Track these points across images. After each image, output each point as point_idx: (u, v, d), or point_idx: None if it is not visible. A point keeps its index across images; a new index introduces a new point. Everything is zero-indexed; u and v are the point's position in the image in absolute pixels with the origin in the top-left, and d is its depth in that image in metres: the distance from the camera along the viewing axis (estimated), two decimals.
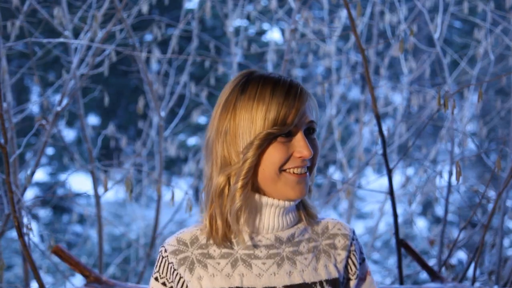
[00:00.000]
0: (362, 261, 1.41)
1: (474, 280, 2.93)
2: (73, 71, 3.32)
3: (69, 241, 7.16)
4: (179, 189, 2.80)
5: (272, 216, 1.31)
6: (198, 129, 7.02)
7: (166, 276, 1.33)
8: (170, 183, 6.43)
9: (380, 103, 4.85)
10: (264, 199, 1.30)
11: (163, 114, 3.70)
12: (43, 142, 3.11)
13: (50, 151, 8.04)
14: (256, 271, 1.30)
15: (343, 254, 1.36)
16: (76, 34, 3.88)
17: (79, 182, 6.55)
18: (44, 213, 7.78)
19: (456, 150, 3.76)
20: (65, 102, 3.23)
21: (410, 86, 4.66)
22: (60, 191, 7.23)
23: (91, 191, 3.57)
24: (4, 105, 3.17)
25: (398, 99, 5.19)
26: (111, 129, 4.14)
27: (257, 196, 1.31)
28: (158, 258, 1.34)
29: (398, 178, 5.20)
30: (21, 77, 7.38)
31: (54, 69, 6.58)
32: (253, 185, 1.30)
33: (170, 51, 3.95)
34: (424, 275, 5.08)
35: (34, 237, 2.47)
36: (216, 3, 4.04)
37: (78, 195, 2.52)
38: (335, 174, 5.34)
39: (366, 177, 5.69)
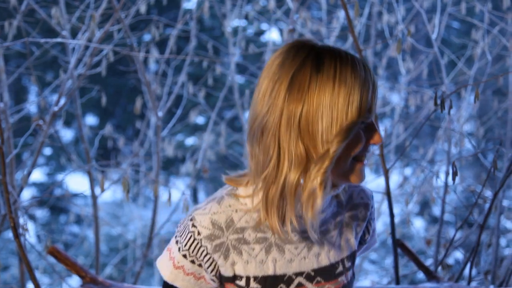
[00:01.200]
0: (374, 226, 1.39)
1: (470, 279, 2.93)
2: (71, 71, 3.32)
3: (66, 241, 7.15)
4: (176, 189, 2.79)
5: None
6: (196, 129, 7.02)
7: (196, 255, 1.25)
8: (168, 183, 6.43)
9: (378, 103, 4.86)
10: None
11: (160, 114, 3.71)
12: (40, 142, 3.10)
13: (47, 151, 8.04)
14: (288, 256, 1.24)
15: (362, 224, 1.34)
16: (74, 34, 3.88)
17: (76, 182, 6.55)
18: (41, 213, 7.77)
19: (454, 150, 3.76)
20: (62, 102, 3.22)
21: (408, 86, 4.67)
22: (57, 192, 7.23)
23: (88, 192, 3.57)
24: (1, 105, 3.17)
25: (396, 99, 5.20)
26: (108, 129, 4.14)
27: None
28: (186, 235, 1.24)
29: (395, 178, 5.21)
30: (19, 77, 7.38)
31: (52, 69, 6.58)
32: None
33: (168, 51, 3.95)
34: (420, 275, 5.09)
35: (30, 237, 2.46)
36: (215, 3, 4.05)
37: (75, 195, 2.51)
38: None
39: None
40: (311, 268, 1.25)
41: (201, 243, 1.24)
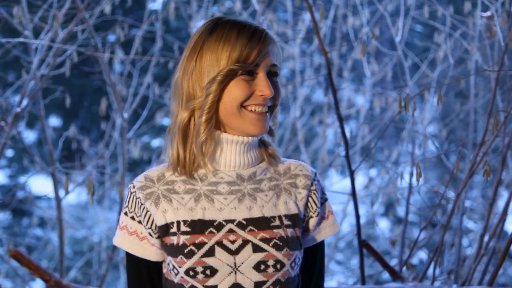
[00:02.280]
0: (324, 201, 1.46)
1: (434, 279, 2.98)
2: (33, 71, 3.26)
3: (29, 244, 7.02)
4: None
5: (234, 153, 1.38)
6: (162, 131, 6.97)
7: (134, 210, 1.40)
8: None
9: (344, 105, 4.90)
10: (225, 135, 1.37)
11: (126, 115, 3.67)
12: (1, 144, 3.05)
13: (9, 153, 7.88)
14: (217, 205, 1.37)
15: (303, 192, 1.42)
16: (37, 34, 3.81)
17: (40, 184, 6.44)
18: (3, 216, 7.62)
19: (418, 151, 3.82)
20: (24, 103, 3.17)
21: (372, 88, 4.72)
22: (20, 194, 7.10)
23: (52, 194, 3.51)
24: None
25: (361, 101, 5.25)
26: (73, 130, 4.08)
27: (218, 132, 1.38)
28: (127, 194, 1.41)
29: (361, 179, 5.26)
30: None
31: (14, 70, 6.46)
32: (216, 122, 1.37)
33: (133, 52, 3.92)
34: (386, 275, 5.15)
35: None
36: (180, 4, 4.02)
37: (38, 197, 2.47)
38: None
39: (329, 179, 5.74)
40: (242, 217, 1.36)
41: (135, 194, 1.40)
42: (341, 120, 2.83)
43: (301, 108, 4.72)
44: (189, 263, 1.34)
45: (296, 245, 1.37)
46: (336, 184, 4.60)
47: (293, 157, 5.36)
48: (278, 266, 1.34)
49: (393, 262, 4.62)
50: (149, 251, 1.41)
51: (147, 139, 7.26)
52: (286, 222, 1.38)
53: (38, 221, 6.93)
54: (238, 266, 1.33)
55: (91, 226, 7.10)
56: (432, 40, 4.34)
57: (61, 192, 4.02)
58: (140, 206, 1.40)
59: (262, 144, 1.43)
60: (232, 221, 1.35)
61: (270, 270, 1.34)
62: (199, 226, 1.35)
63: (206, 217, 1.36)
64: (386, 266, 2.92)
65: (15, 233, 7.17)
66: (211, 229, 1.35)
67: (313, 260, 1.46)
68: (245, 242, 1.34)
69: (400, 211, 5.92)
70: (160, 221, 1.38)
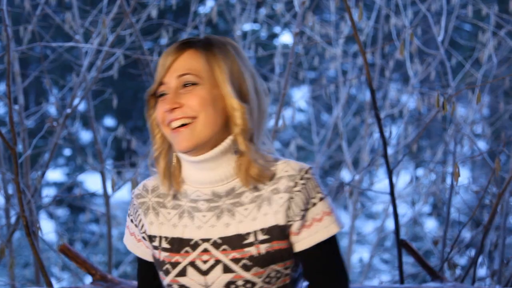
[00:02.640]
0: (314, 202, 1.33)
1: (474, 280, 2.96)
2: (83, 74, 3.42)
3: (85, 239, 7.29)
4: None
5: (196, 171, 1.35)
6: None
7: (133, 214, 1.45)
8: None
9: (387, 104, 4.88)
10: (180, 155, 1.36)
11: None
12: (53, 144, 3.20)
13: (67, 152, 8.19)
14: (197, 223, 1.36)
15: (284, 196, 1.32)
16: (87, 38, 3.98)
17: (95, 182, 6.68)
18: (61, 212, 7.93)
19: (465, 151, 3.78)
20: (75, 104, 3.32)
21: (417, 88, 4.70)
22: (76, 191, 7.36)
23: (101, 191, 3.66)
24: (16, 107, 3.29)
25: (405, 101, 5.23)
26: (121, 130, 4.24)
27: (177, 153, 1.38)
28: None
29: (406, 179, 5.23)
30: (40, 80, 7.53)
31: (70, 73, 6.72)
32: None
33: None
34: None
35: (46, 235, 2.54)
36: (225, 7, 4.12)
37: (88, 194, 2.60)
38: (344, 174, 5.38)
39: (376, 177, 5.73)
40: (218, 236, 1.34)
41: (134, 200, 1.44)
42: (379, 120, 2.85)
43: (344, 108, 4.73)
44: (167, 280, 1.37)
45: (272, 259, 1.32)
46: (380, 183, 4.59)
47: (336, 157, 5.40)
48: (249, 285, 1.32)
49: (438, 262, 4.58)
50: (145, 252, 1.45)
51: None
52: (261, 237, 1.31)
53: (93, 217, 7.18)
54: (209, 286, 1.33)
55: None
56: (477, 39, 4.29)
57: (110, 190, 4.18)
58: (136, 212, 1.43)
59: (241, 158, 1.33)
60: (207, 240, 1.34)
61: None
62: (177, 244, 1.36)
63: (185, 235, 1.36)
64: (424, 265, 2.92)
65: (72, 228, 7.45)
66: (187, 248, 1.35)
67: (314, 264, 1.35)
68: (217, 262, 1.33)
69: (445, 211, 5.84)
70: (147, 231, 1.42)
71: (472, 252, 3.49)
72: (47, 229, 6.24)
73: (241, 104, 1.31)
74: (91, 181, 6.95)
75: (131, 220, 1.45)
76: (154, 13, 3.84)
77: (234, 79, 1.33)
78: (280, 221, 1.31)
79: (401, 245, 2.94)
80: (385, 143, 2.90)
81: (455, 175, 2.66)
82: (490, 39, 3.70)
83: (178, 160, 1.38)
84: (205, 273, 1.33)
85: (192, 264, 1.34)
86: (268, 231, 1.32)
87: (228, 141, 1.32)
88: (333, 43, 4.46)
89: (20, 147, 3.40)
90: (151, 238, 1.40)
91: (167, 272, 1.36)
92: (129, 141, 4.96)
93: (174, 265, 1.35)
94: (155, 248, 1.40)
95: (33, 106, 6.91)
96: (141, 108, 8.00)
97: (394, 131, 4.99)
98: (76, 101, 3.38)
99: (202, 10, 5.23)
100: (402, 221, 4.55)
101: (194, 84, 1.31)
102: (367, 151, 4.47)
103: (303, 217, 1.32)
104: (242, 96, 1.33)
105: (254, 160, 1.32)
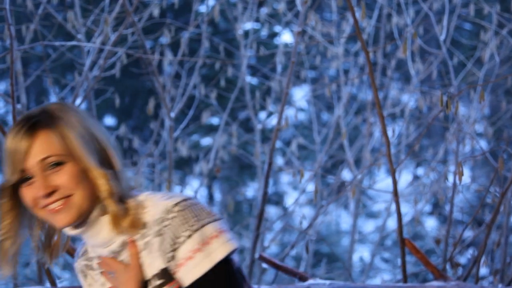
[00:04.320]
0: (182, 239, 1.29)
1: (477, 279, 2.97)
2: (85, 73, 3.42)
3: None
4: (190, 188, 2.88)
5: (85, 239, 1.37)
6: (210, 130, 7.11)
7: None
8: (183, 182, 6.53)
9: (389, 103, 4.89)
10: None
11: (172, 115, 3.79)
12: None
13: None
14: (101, 281, 1.41)
15: (156, 241, 1.31)
16: (89, 37, 3.98)
17: None
18: None
19: (466, 149, 3.79)
20: (77, 103, 3.32)
21: (419, 87, 4.70)
22: None
23: None
24: (18, 106, 3.28)
25: (406, 100, 5.24)
26: (123, 130, 4.24)
27: None
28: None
29: (407, 178, 5.24)
30: (41, 79, 7.53)
31: (71, 72, 6.72)
32: None
33: (180, 53, 4.03)
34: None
35: None
36: (226, 6, 4.12)
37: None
38: (344, 174, 5.38)
39: (376, 177, 5.74)
40: None
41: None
42: (383, 119, 2.85)
43: (345, 107, 4.74)
44: None
45: None
46: (381, 182, 4.60)
47: (337, 156, 5.40)
48: None
49: (440, 261, 4.59)
50: None
51: (196, 138, 7.41)
52: (156, 282, 1.32)
53: None
54: None
55: None
56: (479, 39, 4.29)
57: None
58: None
59: (113, 214, 1.33)
60: None
61: None
62: None
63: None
64: (428, 264, 2.92)
65: None
66: None
67: None
68: None
69: (447, 210, 5.85)
70: None
71: (474, 251, 3.50)
72: None
73: (104, 171, 1.31)
74: None
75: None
76: (156, 12, 3.84)
77: (90, 146, 1.32)
78: (162, 264, 1.31)
79: (405, 244, 2.94)
80: (388, 142, 2.90)
81: (459, 174, 2.66)
82: (492, 38, 3.70)
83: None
84: None
85: None
86: (160, 275, 1.31)
87: (98, 209, 1.33)
88: (334, 42, 4.47)
89: None
90: None
91: None
92: (131, 140, 4.96)
93: None
94: None
95: (34, 105, 6.90)
96: (142, 107, 8.00)
97: (396, 130, 5.00)
98: (78, 100, 3.38)
99: (204, 9, 5.23)
100: (403, 220, 4.55)
101: (59, 164, 1.29)
102: (369, 151, 4.47)
103: (173, 258, 1.30)
104: (103, 159, 1.33)
105: (123, 216, 1.32)
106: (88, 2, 3.94)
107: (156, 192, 1.38)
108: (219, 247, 1.29)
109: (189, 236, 1.29)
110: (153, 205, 1.33)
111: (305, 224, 3.42)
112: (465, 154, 3.85)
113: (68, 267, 5.88)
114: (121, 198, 1.33)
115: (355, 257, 6.29)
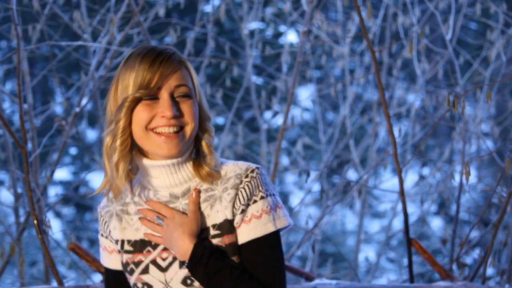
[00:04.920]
0: (256, 198, 1.42)
1: (484, 279, 2.96)
2: (91, 73, 3.42)
3: (91, 238, 7.30)
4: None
5: (160, 175, 1.43)
6: (215, 129, 7.11)
7: (101, 227, 1.53)
8: None
9: (394, 103, 4.87)
10: (145, 161, 1.43)
11: None
12: (62, 142, 3.21)
13: (73, 151, 8.20)
14: (136, 225, 1.48)
15: (232, 192, 1.41)
16: (95, 37, 3.98)
17: (100, 181, 6.68)
18: (67, 211, 7.94)
19: (472, 149, 3.77)
20: (83, 103, 3.33)
21: (424, 87, 4.69)
22: (83, 190, 7.38)
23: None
24: (25, 106, 3.29)
25: (412, 99, 5.22)
26: None
27: (143, 158, 1.44)
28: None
29: (412, 178, 5.22)
30: (46, 79, 7.55)
31: (76, 71, 6.73)
32: (139, 148, 1.44)
33: (186, 53, 4.04)
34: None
35: (55, 234, 2.55)
36: (232, 6, 4.12)
37: (95, 194, 2.59)
38: (350, 173, 5.37)
39: (381, 176, 5.72)
40: None
41: (100, 213, 1.53)
42: (389, 118, 2.84)
43: (351, 106, 4.73)
44: (132, 279, 1.47)
45: (225, 253, 1.40)
46: (387, 182, 4.59)
47: (343, 156, 5.39)
48: None
49: (446, 261, 4.58)
50: (118, 261, 1.52)
51: None
52: (213, 232, 1.41)
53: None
54: (169, 282, 1.43)
55: None
56: (485, 38, 4.28)
57: None
58: (103, 222, 1.52)
59: (197, 163, 1.44)
60: None
61: (196, 283, 1.41)
62: (139, 246, 1.47)
63: (145, 237, 1.46)
64: (435, 264, 2.92)
65: (78, 227, 7.47)
66: (149, 248, 1.46)
67: (250, 260, 1.41)
68: (174, 259, 1.43)
69: (453, 210, 5.84)
70: (113, 236, 1.51)
71: (481, 252, 3.49)
72: (54, 228, 6.25)
73: (210, 121, 1.47)
74: (98, 180, 6.96)
75: (101, 235, 1.53)
76: (161, 12, 3.84)
77: (201, 95, 1.47)
78: (228, 215, 1.41)
79: (412, 244, 2.94)
80: (394, 141, 2.89)
81: (466, 174, 2.65)
82: (499, 37, 3.69)
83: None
84: (164, 269, 1.44)
85: (154, 262, 1.45)
86: (219, 226, 1.42)
87: (192, 148, 1.44)
88: (340, 42, 4.46)
89: (29, 146, 3.41)
90: (116, 242, 1.50)
91: (131, 272, 1.47)
92: None
93: (138, 264, 1.46)
94: (118, 251, 1.50)
95: (39, 105, 6.92)
96: None
97: (402, 130, 4.99)
98: (84, 100, 3.39)
99: (209, 9, 5.23)
100: (409, 220, 4.54)
101: (187, 96, 1.41)
102: (375, 150, 4.46)
103: (243, 212, 1.41)
104: (206, 109, 1.48)
105: (208, 163, 1.44)
106: (94, 2, 3.95)
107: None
108: (282, 218, 1.44)
109: (263, 198, 1.42)
110: (232, 164, 1.45)
111: (310, 224, 3.41)
112: (471, 153, 3.84)
113: (74, 266, 5.90)
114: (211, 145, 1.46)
115: (360, 257, 6.28)
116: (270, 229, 1.41)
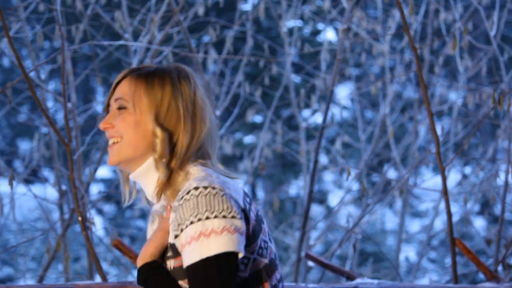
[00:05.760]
0: (188, 223, 1.31)
1: None
2: None
3: (132, 235, 7.40)
4: None
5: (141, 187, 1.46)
6: (254, 128, 7.12)
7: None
8: None
9: (436, 101, 4.80)
10: None
11: (218, 113, 3.81)
12: (105, 141, 3.26)
13: None
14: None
15: (173, 216, 1.35)
16: (136, 36, 4.03)
17: None
18: (109, 208, 8.07)
19: None
20: None
21: (467, 84, 4.61)
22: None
23: None
24: (69, 105, 3.35)
25: (454, 97, 5.13)
26: None
27: None
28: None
29: (454, 177, 5.14)
30: (88, 78, 7.68)
31: (117, 71, 6.83)
32: None
33: (225, 52, 4.06)
34: (482, 274, 5.00)
35: (98, 231, 2.59)
36: (270, 4, 4.12)
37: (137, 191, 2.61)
38: (390, 172, 5.32)
39: (422, 175, 5.64)
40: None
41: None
42: (432, 116, 2.80)
43: (390, 104, 4.68)
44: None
45: (177, 275, 1.35)
46: (429, 181, 4.51)
47: (383, 155, 5.34)
48: None
49: (490, 262, 4.49)
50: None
51: (240, 135, 7.44)
52: (168, 254, 1.36)
53: (140, 212, 7.30)
54: None
55: None
56: None
57: None
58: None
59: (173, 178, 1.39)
60: None
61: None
62: None
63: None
64: (480, 265, 2.86)
65: (119, 224, 7.58)
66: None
67: (189, 284, 1.33)
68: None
69: (497, 209, 5.72)
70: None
71: None
72: (97, 225, 6.35)
73: (161, 131, 1.36)
74: None
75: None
76: (200, 11, 3.87)
77: (160, 106, 1.38)
78: (171, 239, 1.36)
79: (456, 245, 2.89)
80: (437, 140, 2.85)
81: None
82: None
83: None
84: None
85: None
86: (171, 247, 1.36)
87: (147, 163, 1.39)
88: (380, 39, 4.41)
89: (72, 144, 3.47)
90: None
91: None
92: None
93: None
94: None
95: (81, 104, 7.05)
96: None
97: (444, 128, 4.91)
98: None
99: (248, 7, 5.24)
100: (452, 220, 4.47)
101: (123, 108, 1.41)
102: (416, 149, 4.40)
103: (177, 237, 1.33)
104: (167, 123, 1.37)
105: (165, 181, 1.37)
106: (135, 2, 4.00)
107: (213, 170, 1.38)
108: (215, 244, 1.29)
109: (192, 223, 1.31)
110: (188, 181, 1.35)
111: (351, 222, 3.39)
112: None
113: (116, 263, 5.99)
114: (180, 164, 1.37)
115: (401, 257, 6.21)
116: (194, 258, 1.30)
